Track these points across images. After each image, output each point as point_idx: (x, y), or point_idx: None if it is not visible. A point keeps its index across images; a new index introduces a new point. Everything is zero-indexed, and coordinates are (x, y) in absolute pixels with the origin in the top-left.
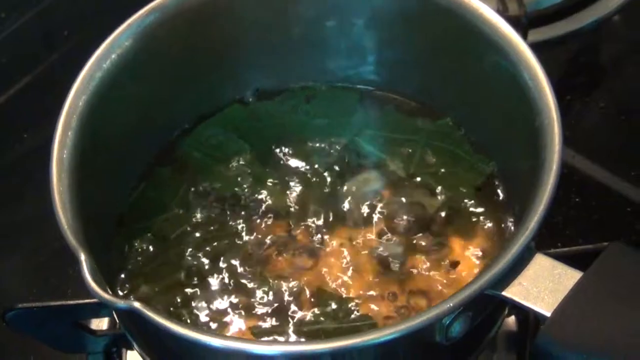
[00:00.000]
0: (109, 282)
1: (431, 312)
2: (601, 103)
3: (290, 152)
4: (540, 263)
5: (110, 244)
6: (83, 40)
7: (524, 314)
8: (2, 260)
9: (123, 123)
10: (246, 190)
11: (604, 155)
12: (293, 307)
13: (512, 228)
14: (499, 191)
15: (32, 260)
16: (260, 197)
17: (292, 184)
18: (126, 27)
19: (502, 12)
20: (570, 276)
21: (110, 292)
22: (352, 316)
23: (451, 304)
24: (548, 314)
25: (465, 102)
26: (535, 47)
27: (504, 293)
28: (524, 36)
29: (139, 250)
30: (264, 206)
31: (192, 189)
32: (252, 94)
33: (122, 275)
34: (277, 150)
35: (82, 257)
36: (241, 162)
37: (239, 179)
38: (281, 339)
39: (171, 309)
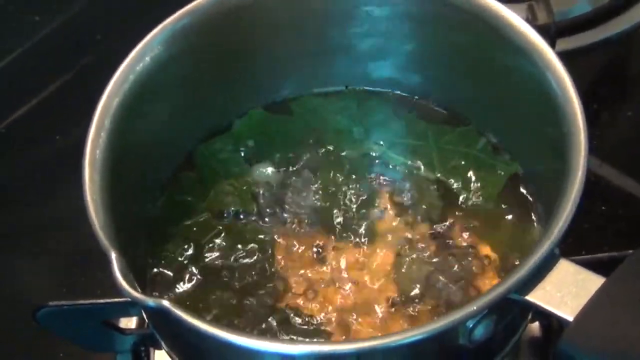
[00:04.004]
0: (138, 282)
1: (456, 315)
2: (628, 112)
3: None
4: (565, 268)
5: (139, 245)
6: (115, 44)
7: (548, 320)
8: (31, 259)
9: (153, 125)
10: (225, 217)
11: (631, 164)
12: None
13: (536, 229)
14: (522, 193)
15: (61, 260)
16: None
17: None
18: (159, 31)
19: (532, 20)
20: (594, 281)
21: (140, 291)
22: None
23: (475, 307)
24: (570, 318)
25: (492, 107)
26: (564, 56)
27: (527, 297)
28: (552, 45)
29: (168, 252)
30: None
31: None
32: (277, 100)
33: (151, 276)
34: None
35: (113, 255)
36: (234, 185)
37: (222, 201)
38: None
39: (200, 309)
